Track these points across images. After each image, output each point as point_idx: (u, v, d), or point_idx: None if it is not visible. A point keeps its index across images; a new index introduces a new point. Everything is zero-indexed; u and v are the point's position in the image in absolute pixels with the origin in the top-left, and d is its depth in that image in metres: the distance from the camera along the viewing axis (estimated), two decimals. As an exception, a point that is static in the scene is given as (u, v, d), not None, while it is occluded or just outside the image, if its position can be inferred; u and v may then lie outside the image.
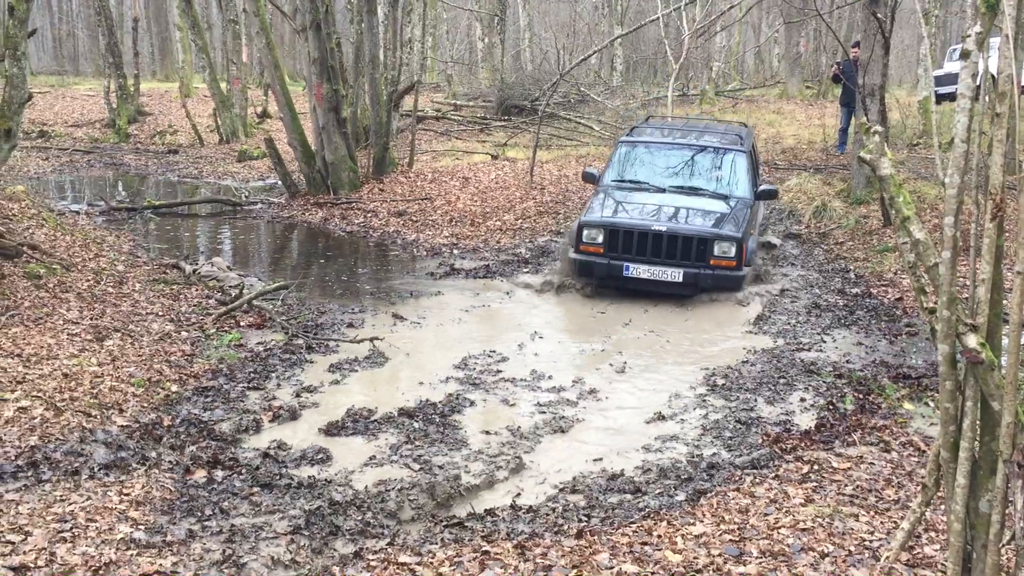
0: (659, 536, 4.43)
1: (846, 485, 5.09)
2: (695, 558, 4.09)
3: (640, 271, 9.50)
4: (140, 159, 21.43)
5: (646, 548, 4.25)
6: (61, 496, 4.61)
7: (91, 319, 7.99)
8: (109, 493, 4.72)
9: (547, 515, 4.84)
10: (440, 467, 5.68)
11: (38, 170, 18.84)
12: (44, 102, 28.49)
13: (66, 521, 4.31)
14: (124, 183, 18.63)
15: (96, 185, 18.05)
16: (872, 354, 7.98)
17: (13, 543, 4.03)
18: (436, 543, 4.43)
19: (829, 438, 6.01)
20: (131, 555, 4.06)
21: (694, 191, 10.47)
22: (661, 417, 6.70)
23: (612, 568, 3.99)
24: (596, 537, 4.42)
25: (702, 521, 4.60)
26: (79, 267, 9.76)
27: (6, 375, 6.18)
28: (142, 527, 4.38)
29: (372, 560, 4.15)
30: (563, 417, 6.63)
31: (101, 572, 3.88)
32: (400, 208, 14.88)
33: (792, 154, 18.53)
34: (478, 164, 17.95)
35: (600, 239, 9.65)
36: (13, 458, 5.05)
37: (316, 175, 15.94)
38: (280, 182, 16.60)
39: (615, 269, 9.60)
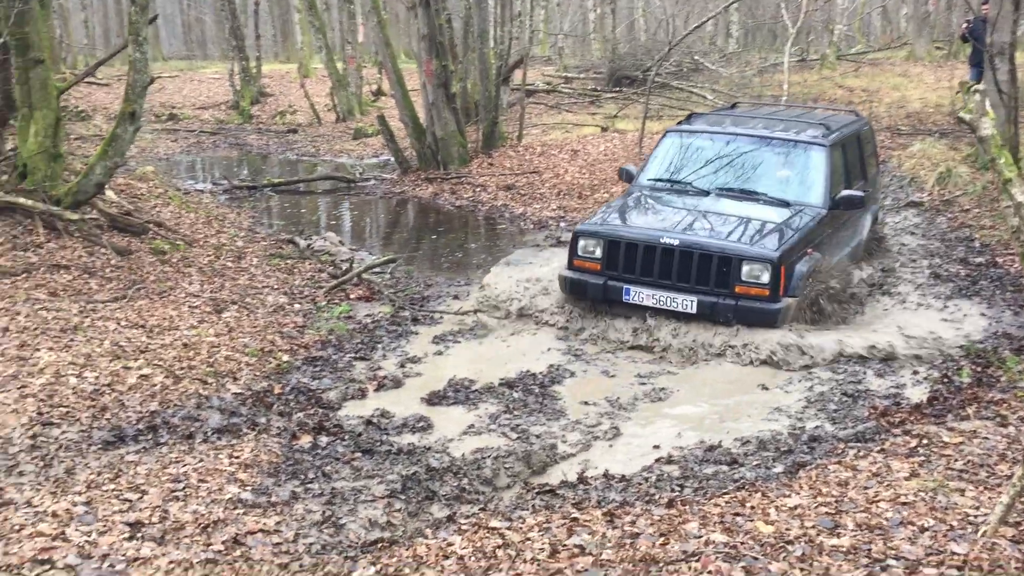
0: (752, 507, 4.37)
1: (956, 460, 4.89)
2: (787, 529, 4.01)
3: (643, 296, 7.29)
4: (262, 139, 22.18)
5: (737, 519, 4.19)
6: (176, 458, 4.88)
7: (210, 292, 8.37)
8: (220, 456, 4.96)
9: (639, 484, 4.84)
10: (537, 436, 5.74)
11: (167, 151, 19.73)
12: (173, 86, 29.74)
13: (179, 481, 4.56)
14: (247, 162, 19.33)
15: (220, 165, 18.79)
16: (995, 325, 7.62)
17: (131, 501, 4.29)
18: (527, 509, 4.49)
19: (941, 411, 5.78)
20: (238, 514, 4.27)
21: (747, 195, 8.08)
22: (764, 388, 6.58)
23: (700, 537, 3.96)
24: (687, 507, 4.39)
25: (798, 493, 4.51)
26: (201, 243, 10.22)
27: (131, 344, 6.55)
28: (249, 488, 4.59)
29: (464, 524, 4.25)
30: (663, 388, 6.59)
31: (209, 529, 4.09)
32: (508, 182, 14.96)
33: (917, 119, 17.72)
34: (587, 137, 17.85)
35: (597, 253, 7.57)
36: (135, 422, 5.36)
37: (426, 151, 16.18)
38: (392, 158, 16.92)
39: (613, 292, 7.44)
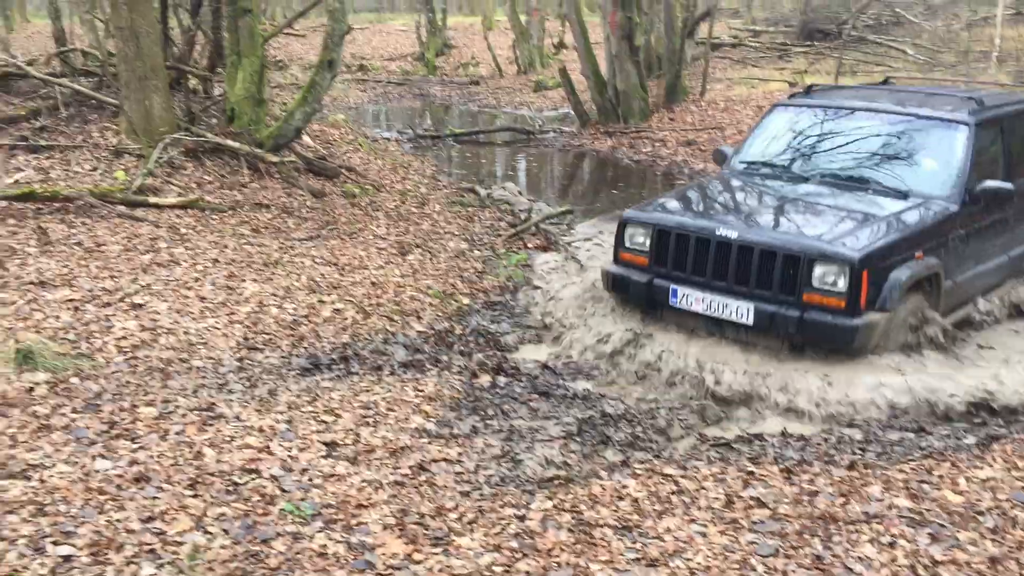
0: (940, 476, 4.21)
1: None
2: (977, 500, 3.86)
3: (692, 300, 5.93)
4: (445, 90, 22.68)
5: (923, 486, 4.06)
6: (366, 387, 5.16)
7: (396, 235, 8.71)
8: (406, 388, 5.22)
9: (818, 445, 4.74)
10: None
11: (356, 100, 20.51)
12: (363, 37, 30.78)
13: (369, 408, 4.83)
14: (430, 113, 19.84)
15: (405, 114, 19.38)
16: None
17: (327, 423, 4.59)
18: (702, 460, 4.50)
19: None
20: (423, 443, 4.49)
21: (857, 183, 6.48)
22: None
23: (883, 501, 3.87)
24: (869, 470, 4.29)
25: (991, 466, 4.30)
26: (387, 188, 10.63)
27: (324, 280, 6.94)
28: (432, 420, 4.81)
29: (638, 469, 4.31)
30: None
31: (396, 454, 4.33)
32: (689, 137, 14.71)
33: None
34: (774, 92, 17.25)
35: (646, 245, 6.25)
36: (328, 352, 5.70)
37: (607, 104, 16.09)
38: (572, 111, 16.93)
39: (659, 293, 6.10)
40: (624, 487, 4.03)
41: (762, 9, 31.21)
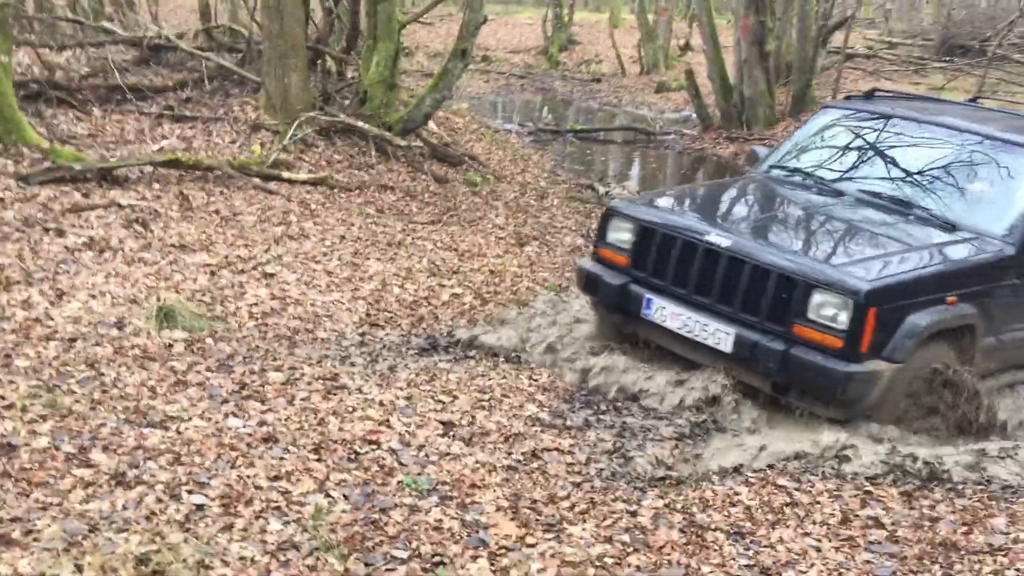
0: (1070, 515, 4.05)
1: None
2: (1111, 544, 3.70)
3: (668, 314, 5.03)
4: (566, 85, 22.71)
5: (1051, 523, 3.92)
6: (482, 372, 5.26)
7: (514, 226, 8.81)
8: (520, 377, 5.29)
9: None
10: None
11: (479, 91, 20.73)
12: (488, 29, 30.97)
13: (485, 393, 4.92)
14: (550, 107, 19.91)
15: (526, 107, 19.50)
16: None
17: (444, 403, 4.70)
18: (816, 475, 4.43)
19: None
20: (535, 431, 4.55)
21: (897, 206, 5.49)
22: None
23: (1008, 534, 3.74)
24: (994, 502, 4.15)
25: None
26: (508, 179, 10.75)
27: (444, 265, 7.08)
28: (546, 409, 4.87)
29: (751, 477, 4.27)
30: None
31: (510, 440, 4.41)
32: (815, 148, 14.37)
33: None
34: None
35: (628, 241, 5.33)
36: (446, 335, 5.82)
37: (731, 109, 15.86)
38: (694, 114, 16.75)
39: (632, 300, 5.20)
40: (736, 494, 4.01)
41: (900, 21, 30.18)
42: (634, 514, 3.66)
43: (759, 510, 3.85)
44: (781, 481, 4.25)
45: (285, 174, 8.05)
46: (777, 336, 4.69)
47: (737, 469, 4.33)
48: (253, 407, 4.31)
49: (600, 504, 3.76)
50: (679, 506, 3.80)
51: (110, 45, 10.12)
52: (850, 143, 6.16)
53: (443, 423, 4.46)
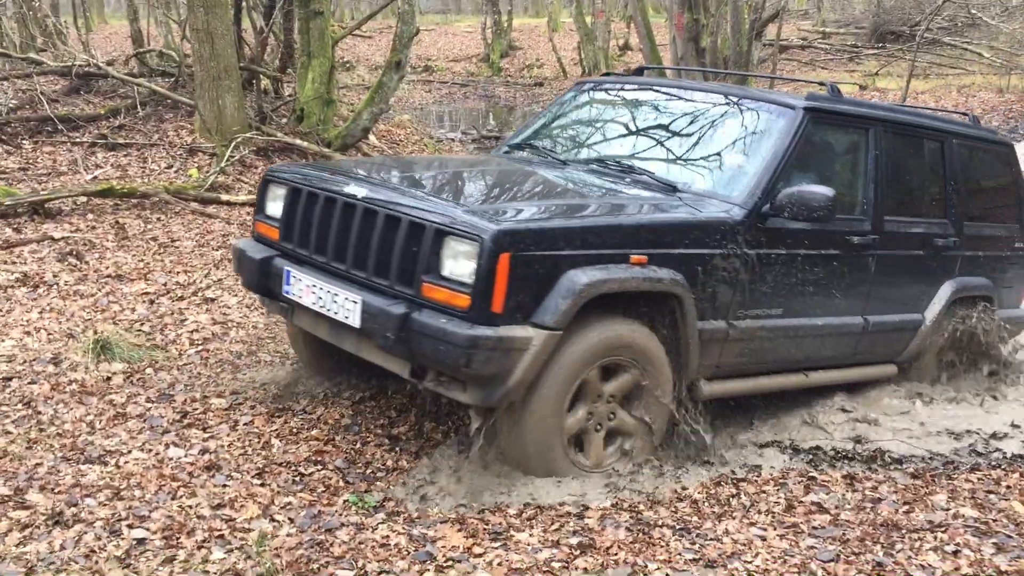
0: (1008, 487, 4.15)
1: None
2: (1047, 512, 3.80)
3: (303, 288, 4.18)
4: (509, 91, 22.80)
5: (990, 496, 4.00)
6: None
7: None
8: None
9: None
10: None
11: (421, 101, 20.73)
12: (429, 39, 31.05)
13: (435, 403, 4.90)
14: (494, 114, 19.96)
15: (470, 115, 19.53)
16: None
17: (391, 418, 4.68)
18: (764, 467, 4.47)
19: None
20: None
21: (621, 171, 4.77)
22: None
23: (948, 510, 3.82)
24: (934, 479, 4.23)
25: (1062, 478, 4.23)
26: (452, 188, 10.73)
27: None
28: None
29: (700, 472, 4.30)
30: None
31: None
32: (755, 140, 14.57)
33: None
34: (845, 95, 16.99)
35: (280, 209, 4.49)
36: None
37: (672, 106, 16.02)
38: (637, 113, 16.89)
39: (273, 276, 4.36)
40: (684, 488, 4.04)
41: (832, 11, 30.71)
42: (581, 516, 3.67)
43: (706, 503, 3.88)
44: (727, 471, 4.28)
45: (224, 197, 7.98)
46: (410, 300, 3.78)
47: None
48: (195, 435, 4.25)
49: (548, 509, 3.77)
50: (626, 505, 3.82)
51: (38, 76, 9.95)
52: (593, 117, 5.53)
53: (390, 438, 4.44)
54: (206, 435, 4.27)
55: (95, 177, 7.93)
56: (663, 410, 4.21)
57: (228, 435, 4.28)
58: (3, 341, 5.10)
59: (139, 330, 5.41)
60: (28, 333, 5.24)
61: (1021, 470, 4.40)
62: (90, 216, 7.08)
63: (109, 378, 4.81)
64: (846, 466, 4.40)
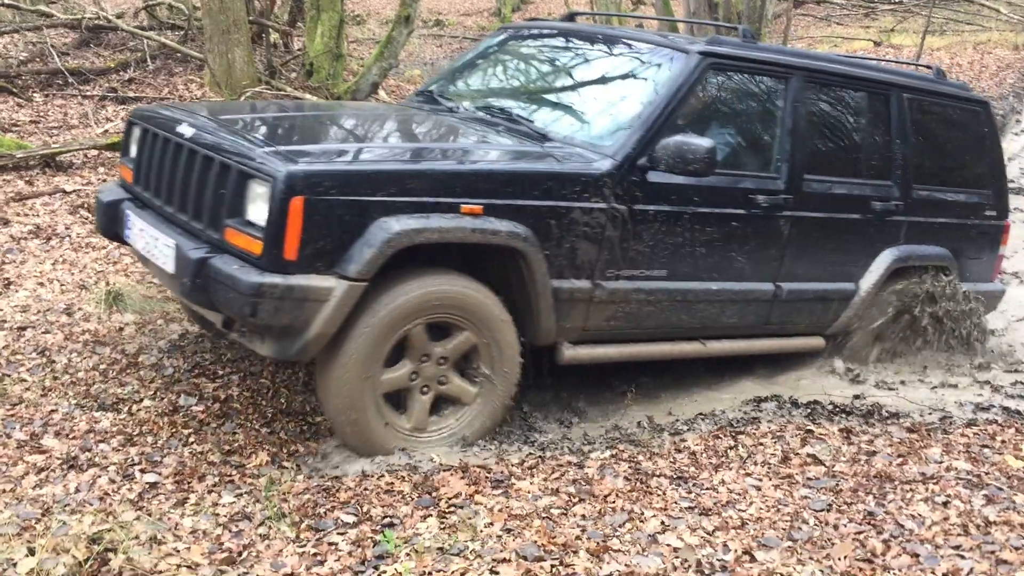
0: (1002, 441, 4.21)
1: None
2: (1038, 466, 3.87)
3: (136, 232, 4.02)
4: (520, 46, 22.59)
5: (984, 450, 4.07)
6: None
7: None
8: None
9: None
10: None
11: (432, 56, 20.58)
12: (441, -7, 30.69)
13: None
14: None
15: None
16: None
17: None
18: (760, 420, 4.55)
19: None
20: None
21: (498, 118, 4.49)
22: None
23: (941, 463, 3.89)
24: (930, 434, 4.30)
25: (1057, 434, 4.30)
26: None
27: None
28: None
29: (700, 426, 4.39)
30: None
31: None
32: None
33: None
34: (857, 52, 16.81)
35: (133, 149, 4.34)
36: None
37: (684, 62, 15.90)
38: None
39: (119, 221, 4.19)
40: (683, 440, 4.12)
41: (849, -36, 30.22)
42: (580, 466, 3.76)
43: (704, 455, 3.96)
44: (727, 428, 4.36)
45: (233, 151, 8.00)
46: (215, 243, 3.60)
47: None
48: (206, 385, 4.35)
49: (549, 459, 3.86)
50: (626, 455, 3.91)
51: (48, 29, 9.95)
52: (502, 64, 5.27)
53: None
54: (216, 384, 4.36)
55: (106, 131, 7.96)
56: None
57: (238, 385, 4.38)
58: (17, 292, 5.19)
59: (150, 282, 5.49)
60: (41, 284, 5.33)
61: (1017, 425, 4.46)
62: (101, 169, 7.13)
63: (121, 328, 4.90)
64: (843, 420, 4.47)
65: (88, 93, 8.78)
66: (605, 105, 4.44)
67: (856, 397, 4.84)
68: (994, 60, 15.97)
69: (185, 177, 3.78)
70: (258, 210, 3.45)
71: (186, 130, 3.85)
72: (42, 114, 8.25)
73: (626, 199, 4.06)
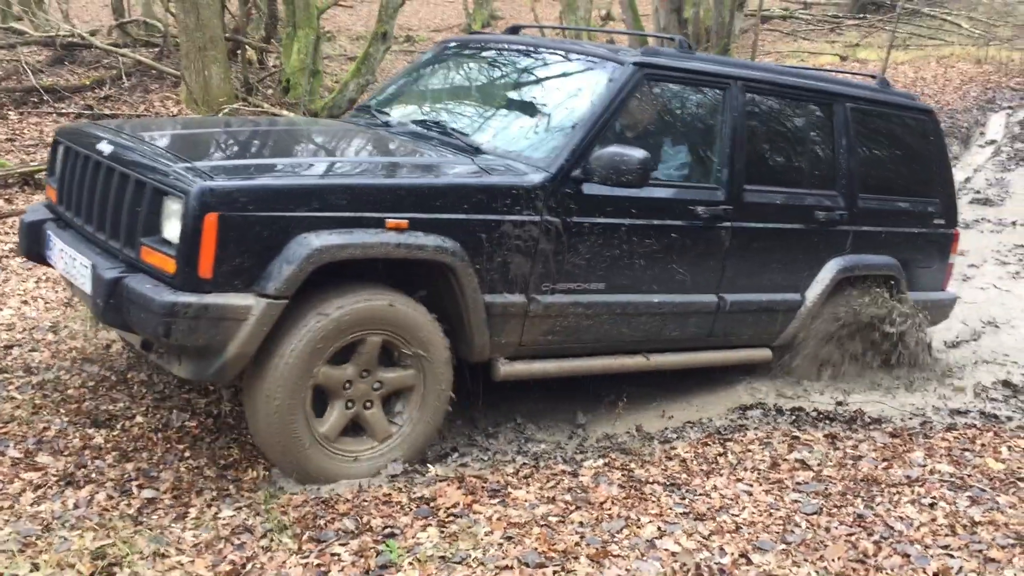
0: (982, 445, 4.33)
1: None
2: (1018, 467, 3.97)
3: (56, 252, 3.96)
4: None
5: (965, 453, 4.18)
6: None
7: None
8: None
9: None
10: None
11: (404, 72, 20.65)
12: (410, 8, 30.73)
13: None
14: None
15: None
16: None
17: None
18: (747, 428, 4.63)
19: None
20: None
21: (432, 132, 4.42)
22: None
23: (925, 466, 3.99)
24: (912, 438, 4.40)
25: (1034, 437, 4.42)
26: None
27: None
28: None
29: (690, 434, 4.46)
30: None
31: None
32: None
33: None
34: (824, 66, 17.11)
35: (58, 168, 4.24)
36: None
37: (655, 77, 16.10)
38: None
39: (37, 239, 4.14)
40: (673, 448, 4.19)
41: (813, -19, 30.73)
42: (575, 474, 3.81)
43: (694, 462, 4.03)
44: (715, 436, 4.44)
45: (213, 167, 8.01)
46: (131, 262, 3.52)
47: None
48: (198, 400, 4.36)
49: (543, 468, 3.91)
50: (618, 464, 3.96)
51: (21, 47, 9.91)
52: (440, 78, 5.18)
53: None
54: (208, 400, 4.37)
55: (83, 148, 7.95)
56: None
57: (229, 400, 4.38)
58: (1, 310, 5.17)
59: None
60: (26, 302, 5.32)
61: (995, 429, 4.58)
62: (81, 187, 7.11)
63: (108, 346, 4.89)
64: (827, 426, 4.56)
65: (64, 111, 8.75)
66: (540, 117, 4.39)
67: (839, 404, 4.95)
68: (957, 74, 16.32)
69: (103, 195, 3.71)
70: (173, 227, 3.36)
71: (105, 147, 3.78)
72: (18, 132, 8.22)
73: (560, 212, 4.01)
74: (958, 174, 11.60)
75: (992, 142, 13.16)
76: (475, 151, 4.16)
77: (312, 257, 3.37)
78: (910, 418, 4.85)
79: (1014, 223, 9.55)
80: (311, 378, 3.54)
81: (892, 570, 3.12)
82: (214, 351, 3.37)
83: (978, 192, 10.67)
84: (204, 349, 3.37)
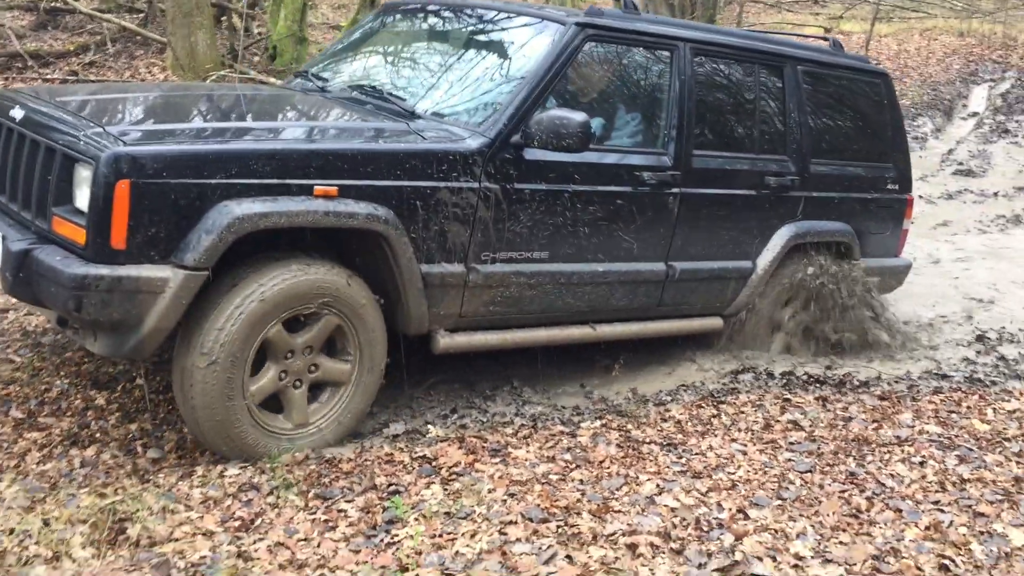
0: (968, 407, 4.43)
1: None
2: (1003, 428, 4.08)
3: None
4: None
5: (952, 415, 4.29)
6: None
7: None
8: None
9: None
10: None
11: (388, 41, 20.51)
12: None
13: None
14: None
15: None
16: None
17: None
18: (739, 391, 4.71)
19: None
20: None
21: (373, 99, 4.25)
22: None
23: (913, 427, 4.09)
24: (900, 401, 4.50)
25: (1019, 399, 4.52)
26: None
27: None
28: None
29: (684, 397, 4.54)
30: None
31: (450, 377, 4.58)
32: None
33: None
34: (809, 40, 17.15)
35: None
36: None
37: (640, 47, 16.10)
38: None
39: None
40: (668, 410, 4.26)
41: (797, -48, 30.69)
42: (573, 435, 3.88)
43: (689, 423, 4.11)
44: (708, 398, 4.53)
45: (201, 134, 7.97)
46: (43, 233, 3.35)
47: None
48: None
49: (541, 429, 3.97)
50: (615, 424, 4.04)
51: (4, 11, 9.78)
52: (382, 42, 4.97)
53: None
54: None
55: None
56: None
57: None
58: (-5, 274, 5.16)
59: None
60: (19, 267, 5.30)
61: (980, 392, 4.69)
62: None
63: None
64: (818, 389, 4.65)
65: (48, 76, 8.66)
66: (479, 81, 4.23)
67: (827, 368, 5.04)
68: (940, 46, 16.42)
69: (15, 163, 3.53)
70: (84, 196, 3.19)
71: (17, 113, 3.59)
72: (3, 97, 8.13)
73: (499, 178, 3.87)
74: (941, 146, 11.74)
75: (974, 114, 13.30)
76: (411, 116, 4.02)
77: (233, 226, 3.22)
78: (896, 382, 4.94)
79: (996, 194, 9.67)
80: (262, 332, 3.39)
81: (885, 524, 3.21)
82: (130, 326, 3.22)
83: (961, 164, 10.79)
84: (119, 324, 3.22)
